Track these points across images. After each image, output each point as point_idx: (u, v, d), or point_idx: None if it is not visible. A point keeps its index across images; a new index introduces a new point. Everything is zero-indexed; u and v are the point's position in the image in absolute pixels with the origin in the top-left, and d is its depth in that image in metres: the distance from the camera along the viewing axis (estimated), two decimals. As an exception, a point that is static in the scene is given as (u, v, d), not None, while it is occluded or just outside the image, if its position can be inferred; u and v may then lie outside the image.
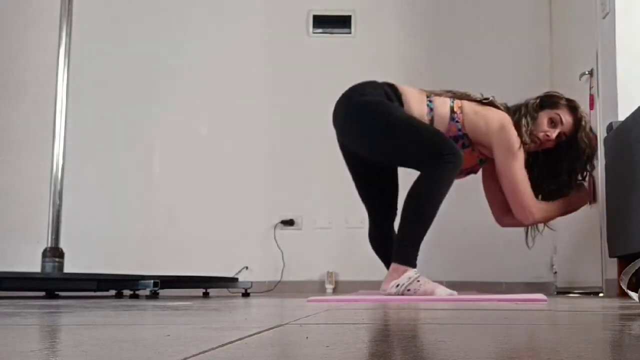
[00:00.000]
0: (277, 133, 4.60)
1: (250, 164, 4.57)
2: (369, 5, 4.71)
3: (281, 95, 4.64)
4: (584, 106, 3.50)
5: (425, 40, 4.65)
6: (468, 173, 2.79)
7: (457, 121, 2.62)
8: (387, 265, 2.65)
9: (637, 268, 1.46)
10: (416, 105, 2.62)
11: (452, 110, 2.62)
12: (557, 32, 4.39)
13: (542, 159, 2.79)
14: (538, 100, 2.72)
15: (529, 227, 2.85)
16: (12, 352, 0.69)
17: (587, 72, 3.47)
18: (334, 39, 4.70)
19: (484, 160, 2.76)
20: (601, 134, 3.23)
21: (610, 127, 3.05)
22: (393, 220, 2.86)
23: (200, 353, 0.67)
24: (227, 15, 4.71)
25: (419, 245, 2.55)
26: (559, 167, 2.78)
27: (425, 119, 2.61)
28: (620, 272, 2.43)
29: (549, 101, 2.73)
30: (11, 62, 4.68)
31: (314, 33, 4.69)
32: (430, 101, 2.63)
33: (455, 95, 2.69)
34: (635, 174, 2.65)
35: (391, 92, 2.65)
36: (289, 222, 4.48)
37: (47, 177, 3.33)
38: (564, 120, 2.70)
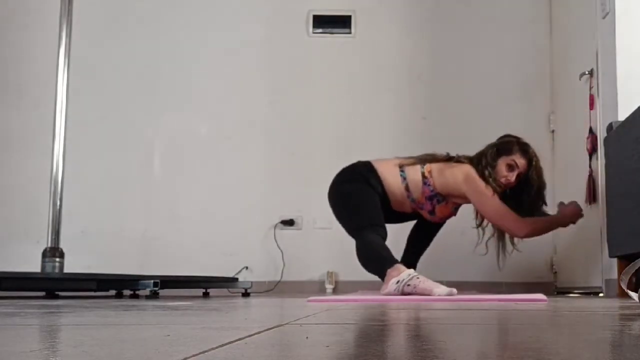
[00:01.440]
0: (277, 133, 4.60)
1: (250, 164, 4.57)
2: (369, 5, 4.71)
3: (281, 95, 4.63)
4: (584, 106, 3.51)
5: (425, 40, 4.65)
6: (448, 217, 3.30)
7: (429, 184, 3.09)
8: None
9: (637, 268, 1.46)
10: (391, 177, 3.11)
11: (423, 176, 3.09)
12: (557, 32, 4.39)
13: (508, 194, 3.15)
14: (495, 149, 3.09)
15: (499, 251, 3.25)
16: (12, 352, 0.69)
17: (587, 72, 3.47)
18: (334, 39, 4.70)
19: (457, 208, 3.27)
20: (601, 134, 3.23)
21: (610, 127, 3.05)
22: (414, 263, 3.40)
23: (200, 353, 0.67)
24: (227, 15, 4.71)
25: (384, 252, 2.89)
26: (521, 199, 3.13)
27: (401, 187, 3.11)
28: (620, 272, 2.43)
29: (504, 148, 3.09)
30: (11, 62, 4.68)
31: (314, 33, 4.69)
32: (402, 171, 3.11)
33: (424, 160, 3.13)
34: (635, 174, 2.65)
35: (366, 171, 3.13)
36: (289, 222, 4.48)
37: (47, 177, 3.33)
38: (518, 163, 3.07)
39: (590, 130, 3.39)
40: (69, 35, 3.41)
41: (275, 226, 4.47)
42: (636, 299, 1.47)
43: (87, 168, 4.49)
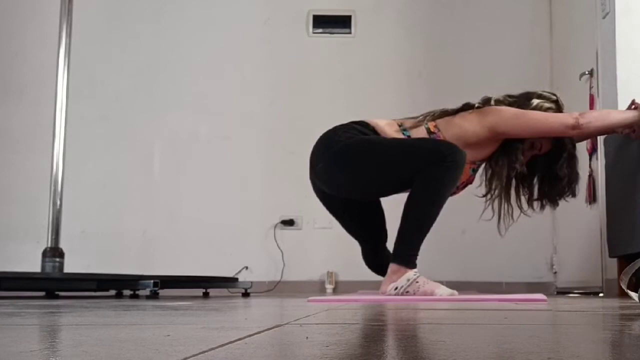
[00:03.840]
0: (277, 133, 4.60)
1: (250, 164, 4.57)
2: (369, 5, 4.71)
3: (281, 95, 4.63)
4: (584, 106, 3.51)
5: (425, 40, 4.65)
6: (465, 186, 2.63)
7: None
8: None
9: (637, 268, 1.46)
10: (392, 134, 2.53)
11: (429, 132, 2.52)
12: (557, 32, 4.39)
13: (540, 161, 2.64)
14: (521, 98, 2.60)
15: (501, 216, 2.61)
16: (12, 352, 0.69)
17: (587, 72, 3.48)
18: (334, 39, 4.70)
19: (476, 169, 2.63)
20: (601, 134, 3.22)
21: (610, 127, 3.05)
22: (385, 241, 2.81)
23: (200, 353, 0.67)
24: (227, 15, 4.71)
25: (418, 248, 2.48)
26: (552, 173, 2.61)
27: None
28: (620, 272, 2.42)
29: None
30: (11, 62, 4.68)
31: (314, 33, 4.69)
32: (404, 129, 2.54)
33: (425, 119, 2.58)
34: (635, 174, 2.65)
35: (363, 129, 2.56)
36: (289, 222, 4.48)
37: (47, 177, 3.33)
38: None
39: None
40: (69, 35, 3.41)
41: (275, 226, 4.47)
42: (636, 299, 1.47)
43: (87, 168, 4.49)
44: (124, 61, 4.67)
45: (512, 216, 2.61)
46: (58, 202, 3.28)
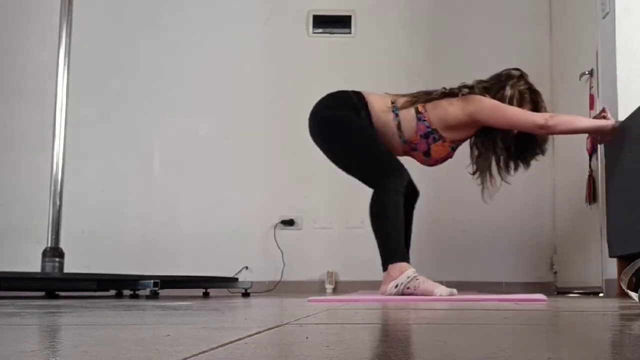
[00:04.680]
0: (277, 133, 4.60)
1: (250, 164, 4.57)
2: (369, 5, 4.71)
3: (281, 95, 4.63)
4: (584, 106, 3.51)
5: (425, 40, 4.65)
6: (444, 160, 2.92)
7: (423, 120, 2.80)
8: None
9: (637, 268, 1.46)
10: (381, 113, 2.80)
11: (417, 111, 2.80)
12: (557, 32, 4.39)
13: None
14: (507, 91, 2.84)
15: (484, 182, 2.86)
16: (12, 352, 0.69)
17: (587, 72, 3.47)
18: (334, 39, 4.70)
19: (455, 147, 2.89)
20: (601, 134, 3.22)
21: (610, 127, 3.05)
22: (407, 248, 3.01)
23: (200, 353, 0.67)
24: (227, 15, 4.71)
25: (397, 243, 2.64)
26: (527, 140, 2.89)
27: (392, 125, 2.80)
28: (620, 272, 2.42)
29: (520, 97, 2.85)
30: (11, 62, 4.68)
31: (314, 33, 4.69)
32: (395, 107, 2.81)
33: (417, 101, 2.83)
34: (635, 174, 2.65)
35: (357, 101, 2.82)
36: (289, 222, 4.48)
37: (47, 177, 3.33)
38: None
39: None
40: (69, 35, 3.41)
41: (275, 226, 4.47)
42: (636, 299, 1.47)
43: (87, 168, 4.49)
44: (124, 61, 4.67)
45: (495, 184, 2.87)
46: (58, 202, 3.28)
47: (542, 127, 2.74)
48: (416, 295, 2.54)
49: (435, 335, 0.92)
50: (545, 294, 2.67)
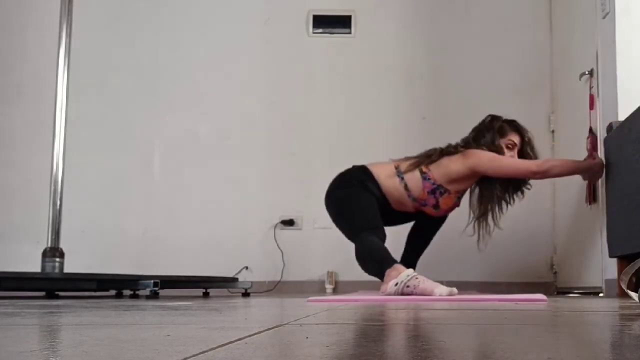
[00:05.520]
0: (277, 133, 4.60)
1: (250, 164, 4.57)
2: (369, 5, 4.71)
3: (281, 95, 4.63)
4: (584, 106, 3.51)
5: (425, 40, 4.65)
6: (451, 209, 3.26)
7: (428, 179, 3.11)
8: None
9: (637, 268, 1.46)
10: (388, 179, 3.12)
11: (421, 172, 3.11)
12: (557, 32, 4.39)
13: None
14: (492, 132, 3.19)
15: (479, 230, 3.23)
16: (12, 352, 0.69)
17: (587, 72, 3.47)
18: (334, 39, 4.70)
19: (460, 197, 3.23)
20: (601, 134, 3.23)
21: (610, 127, 3.05)
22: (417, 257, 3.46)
23: (200, 353, 0.67)
24: (227, 15, 4.71)
25: (388, 257, 2.84)
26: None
27: (399, 187, 3.11)
28: (620, 272, 2.43)
29: (498, 131, 3.19)
30: (11, 62, 4.68)
31: (314, 33, 4.69)
32: (399, 172, 3.12)
33: (420, 163, 3.14)
34: (635, 174, 2.65)
35: (363, 175, 3.14)
36: (289, 222, 4.48)
37: (47, 177, 3.33)
38: (515, 141, 3.20)
39: (590, 131, 3.39)
40: (69, 35, 3.41)
41: (275, 226, 4.47)
42: (636, 299, 1.47)
43: (87, 168, 4.49)
44: (124, 61, 4.67)
45: (489, 231, 3.25)
46: (58, 202, 3.28)
47: (536, 173, 3.13)
48: (416, 294, 2.56)
49: (435, 335, 0.92)
50: (545, 294, 2.67)
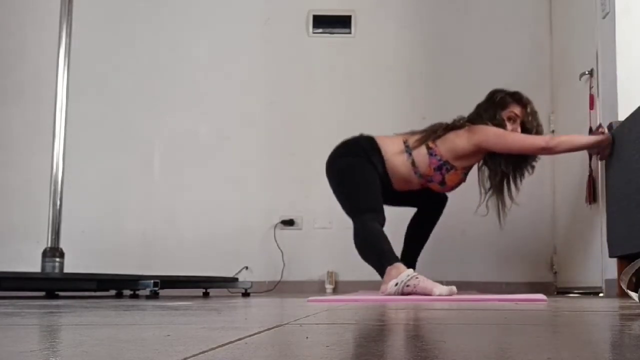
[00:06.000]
0: (277, 133, 4.60)
1: (250, 164, 4.57)
2: (369, 5, 4.71)
3: (281, 95, 4.63)
4: (584, 106, 3.51)
5: (425, 40, 4.65)
6: (458, 185, 3.19)
7: (435, 154, 3.06)
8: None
9: (637, 268, 1.46)
10: (395, 155, 3.05)
11: (428, 147, 3.06)
12: (557, 32, 4.39)
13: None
14: (491, 107, 3.13)
15: (499, 209, 3.15)
16: (12, 352, 0.69)
17: (587, 72, 3.47)
18: (334, 39, 4.70)
19: (467, 172, 3.18)
20: (601, 134, 3.22)
21: (610, 127, 3.05)
22: (418, 251, 3.40)
23: (200, 353, 0.67)
24: (227, 15, 4.71)
25: (390, 252, 2.81)
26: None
27: (407, 163, 3.05)
28: (620, 272, 2.43)
29: (499, 104, 3.14)
30: (11, 62, 4.68)
31: (314, 33, 4.69)
32: (408, 147, 3.06)
33: (427, 138, 3.07)
34: (635, 174, 2.65)
35: (369, 146, 3.07)
36: (289, 222, 4.48)
37: (47, 177, 3.33)
38: (517, 112, 3.13)
39: (590, 130, 3.39)
40: (69, 35, 3.41)
41: (275, 226, 4.47)
42: (636, 299, 1.47)
43: (87, 168, 4.49)
44: (124, 61, 4.67)
45: (503, 208, 3.16)
46: (58, 202, 3.28)
47: (544, 149, 3.05)
48: (416, 293, 2.57)
49: (435, 335, 0.92)
50: (545, 294, 2.67)
